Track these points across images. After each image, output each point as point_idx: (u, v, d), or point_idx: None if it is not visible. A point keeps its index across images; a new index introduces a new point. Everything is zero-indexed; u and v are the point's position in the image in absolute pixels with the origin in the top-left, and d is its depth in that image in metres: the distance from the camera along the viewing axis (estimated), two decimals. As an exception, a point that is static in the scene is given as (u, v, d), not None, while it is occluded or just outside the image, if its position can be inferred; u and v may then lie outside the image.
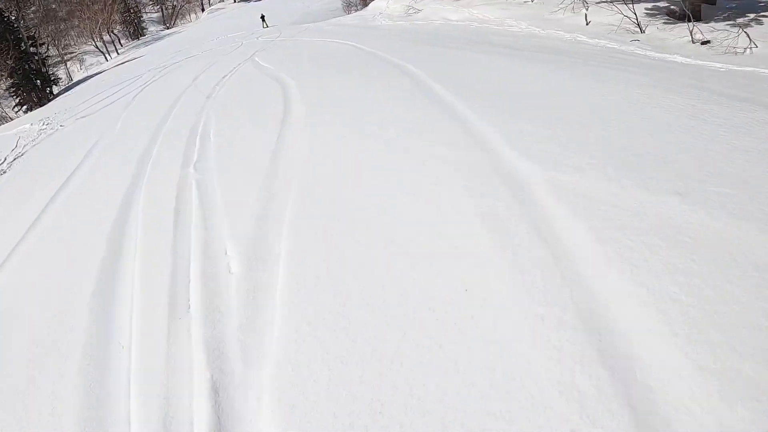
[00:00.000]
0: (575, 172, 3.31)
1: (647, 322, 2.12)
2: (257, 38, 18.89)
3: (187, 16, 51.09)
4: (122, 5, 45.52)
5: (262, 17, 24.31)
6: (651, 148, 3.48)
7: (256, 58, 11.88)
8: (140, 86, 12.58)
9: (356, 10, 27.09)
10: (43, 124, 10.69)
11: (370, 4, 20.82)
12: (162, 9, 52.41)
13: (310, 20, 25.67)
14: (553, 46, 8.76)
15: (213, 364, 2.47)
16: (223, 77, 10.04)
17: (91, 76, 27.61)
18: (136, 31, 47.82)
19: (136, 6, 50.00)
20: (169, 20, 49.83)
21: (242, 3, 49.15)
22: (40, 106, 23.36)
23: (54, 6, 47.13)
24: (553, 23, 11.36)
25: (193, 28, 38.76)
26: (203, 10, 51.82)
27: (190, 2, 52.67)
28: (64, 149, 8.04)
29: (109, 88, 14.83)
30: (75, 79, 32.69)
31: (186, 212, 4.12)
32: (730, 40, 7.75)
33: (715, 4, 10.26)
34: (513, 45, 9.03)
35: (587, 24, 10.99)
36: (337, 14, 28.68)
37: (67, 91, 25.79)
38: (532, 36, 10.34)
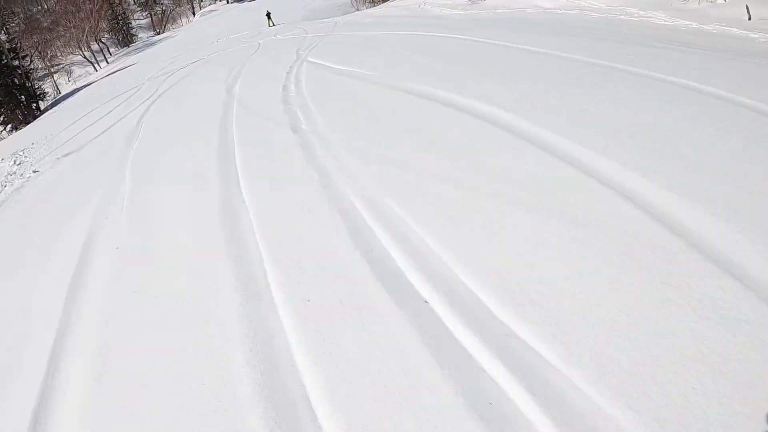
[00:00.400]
0: None
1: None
2: (275, 36, 15.83)
3: (178, 21, 47.81)
4: (109, 12, 42.28)
5: (268, 14, 21.12)
6: None
7: (313, 58, 8.74)
8: (144, 101, 9.48)
9: (367, 7, 24.09)
10: (13, 163, 7.61)
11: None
12: (151, 14, 49.08)
13: (320, 16, 22.61)
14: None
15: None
16: (283, 87, 6.88)
17: (80, 89, 24.49)
18: (125, 38, 44.51)
19: (124, 12, 46.70)
20: (159, 25, 46.53)
21: (236, 3, 45.93)
22: (27, 124, 20.37)
23: (39, 17, 43.81)
24: (694, 15, 8.43)
25: (186, 32, 35.56)
26: (194, 13, 48.49)
27: (179, 6, 49.29)
28: (31, 243, 4.31)
29: (100, 105, 11.74)
30: (63, 92, 29.59)
31: None
32: None
33: None
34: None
35: (749, 19, 8.07)
36: (346, 10, 25.64)
37: (55, 106, 22.69)
38: (699, 33, 7.34)
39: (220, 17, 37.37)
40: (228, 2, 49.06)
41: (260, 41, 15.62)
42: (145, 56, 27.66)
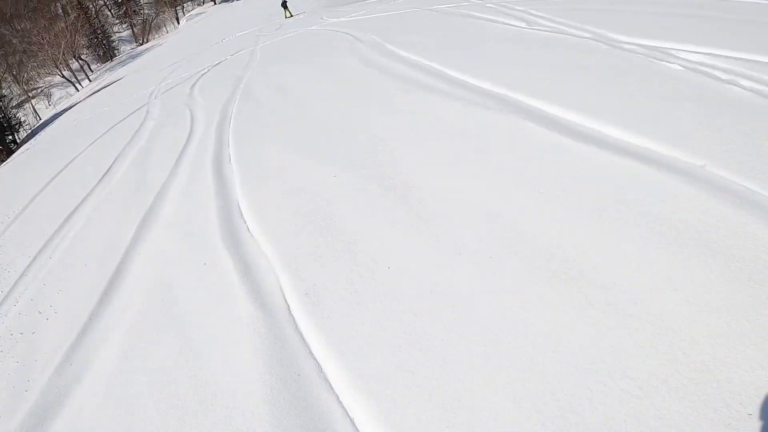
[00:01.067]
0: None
1: None
2: (316, 26, 12.32)
3: (163, 29, 44.10)
4: (86, 26, 38.62)
5: (284, 4, 17.38)
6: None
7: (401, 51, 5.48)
8: (177, 144, 6.14)
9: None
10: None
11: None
12: (132, 25, 45.35)
13: (341, 2, 18.91)
14: None
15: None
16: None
17: (60, 114, 21.06)
18: (106, 53, 40.88)
19: (103, 26, 43.00)
20: (142, 36, 42.83)
21: (225, 3, 42.16)
22: (2, 161, 17.05)
23: (13, 39, 39.92)
24: None
25: (174, 39, 31.93)
26: (178, 20, 44.69)
27: (160, 14, 45.47)
28: None
29: (86, 144, 8.38)
30: (44, 119, 26.14)
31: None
32: None
33: None
34: None
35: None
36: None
37: (34, 136, 19.32)
38: None
39: (212, 18, 33.67)
40: (215, 3, 45.24)
41: (294, 30, 12.12)
42: (132, 69, 24.14)
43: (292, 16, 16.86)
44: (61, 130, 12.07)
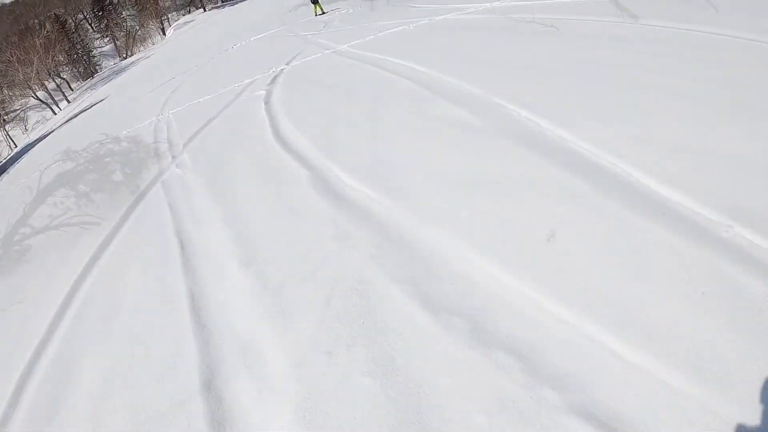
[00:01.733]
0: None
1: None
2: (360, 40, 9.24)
3: (148, 41, 40.74)
4: (65, 41, 35.22)
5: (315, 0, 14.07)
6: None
7: None
8: None
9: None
10: None
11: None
12: (114, 39, 41.91)
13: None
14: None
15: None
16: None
17: (34, 144, 17.71)
18: (87, 69, 37.44)
19: (83, 40, 39.57)
20: (126, 49, 39.44)
21: (215, 10, 38.83)
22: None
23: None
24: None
25: (162, 50, 28.68)
26: (164, 31, 41.24)
27: (145, 26, 41.99)
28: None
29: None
30: (19, 146, 22.72)
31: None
32: None
33: None
34: None
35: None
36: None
37: (4, 172, 16.05)
38: None
39: (202, 27, 30.42)
40: (204, 10, 41.92)
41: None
42: (118, 87, 20.89)
43: (324, 12, 13.62)
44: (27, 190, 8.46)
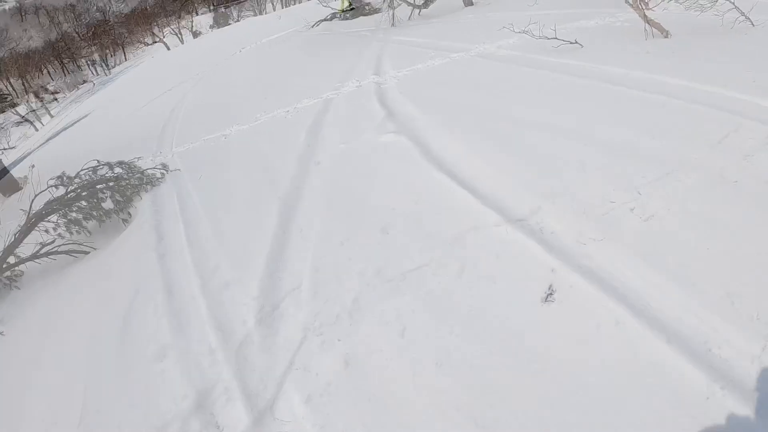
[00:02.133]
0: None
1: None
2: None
3: (140, 48, 38.54)
4: (49, 51, 32.91)
5: None
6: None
7: None
8: None
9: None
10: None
11: None
12: (102, 47, 39.46)
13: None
14: None
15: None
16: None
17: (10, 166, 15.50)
18: (72, 80, 35.07)
19: (69, 49, 37.28)
20: (113, 57, 37.20)
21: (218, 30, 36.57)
22: None
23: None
24: None
25: (159, 57, 26.58)
26: (155, 40, 38.79)
27: (133, 33, 39.57)
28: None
29: None
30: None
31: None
32: None
33: None
34: None
35: None
36: None
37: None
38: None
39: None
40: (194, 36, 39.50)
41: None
42: (103, 100, 18.79)
43: (352, 8, 11.43)
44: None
